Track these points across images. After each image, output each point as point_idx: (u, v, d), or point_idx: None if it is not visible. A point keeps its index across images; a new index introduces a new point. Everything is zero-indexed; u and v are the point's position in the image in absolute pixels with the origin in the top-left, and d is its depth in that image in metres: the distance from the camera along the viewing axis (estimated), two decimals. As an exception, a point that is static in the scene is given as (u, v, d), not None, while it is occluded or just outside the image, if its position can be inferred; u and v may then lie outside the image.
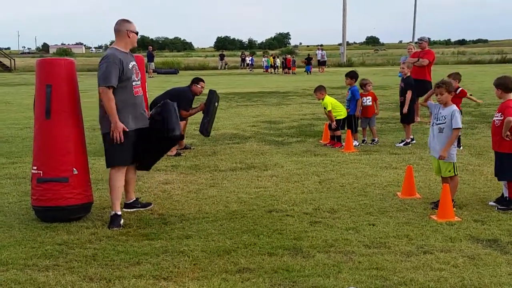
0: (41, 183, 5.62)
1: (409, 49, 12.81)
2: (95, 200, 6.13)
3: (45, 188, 5.61)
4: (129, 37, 5.73)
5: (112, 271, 4.42)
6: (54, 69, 5.69)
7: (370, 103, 10.29)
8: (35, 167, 5.69)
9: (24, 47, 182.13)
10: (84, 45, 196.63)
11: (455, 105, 6.21)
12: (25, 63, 57.15)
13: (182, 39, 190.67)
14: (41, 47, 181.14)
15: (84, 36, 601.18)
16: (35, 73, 5.83)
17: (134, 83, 5.68)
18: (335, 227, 5.48)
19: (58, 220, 5.64)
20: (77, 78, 5.92)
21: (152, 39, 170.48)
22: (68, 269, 4.48)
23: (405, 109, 9.93)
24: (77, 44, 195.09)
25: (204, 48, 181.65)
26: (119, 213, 5.66)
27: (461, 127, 6.10)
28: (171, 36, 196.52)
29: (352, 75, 10.36)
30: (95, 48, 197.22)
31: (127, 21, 5.78)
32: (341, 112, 10.12)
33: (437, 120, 6.22)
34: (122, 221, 5.60)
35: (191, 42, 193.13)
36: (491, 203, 6.20)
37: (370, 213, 5.94)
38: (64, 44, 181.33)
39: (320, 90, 10.11)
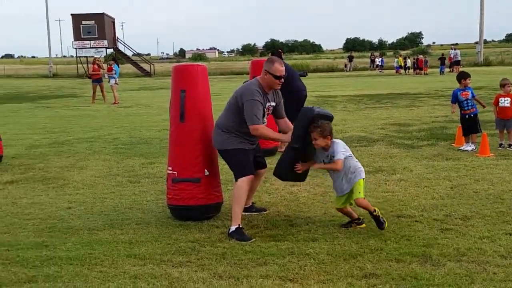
0: (176, 183, 5.93)
1: None
2: (224, 200, 6.35)
3: (180, 188, 5.91)
4: (264, 76, 5.64)
5: (240, 270, 4.56)
6: (188, 74, 5.98)
7: (508, 104, 9.69)
8: (170, 168, 6.02)
9: (163, 53, 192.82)
10: (217, 50, 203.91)
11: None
12: (164, 68, 60.53)
13: (311, 41, 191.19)
14: (178, 53, 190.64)
15: (217, 41, 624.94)
16: (171, 78, 6.17)
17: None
18: (468, 235, 5.23)
19: (191, 218, 5.92)
20: (209, 82, 6.18)
21: (281, 42, 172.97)
22: (199, 266, 4.69)
23: None
24: (210, 49, 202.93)
25: (333, 50, 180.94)
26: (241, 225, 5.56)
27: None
28: (300, 39, 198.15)
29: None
30: (227, 52, 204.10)
31: (272, 61, 5.60)
32: None
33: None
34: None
35: (320, 44, 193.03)
36: None
37: (507, 222, 5.59)
38: (199, 49, 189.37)
39: None
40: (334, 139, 5.46)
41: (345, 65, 54.95)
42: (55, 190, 7.60)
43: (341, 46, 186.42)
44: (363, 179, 5.48)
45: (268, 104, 5.73)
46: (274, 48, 11.52)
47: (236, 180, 5.66)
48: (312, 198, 6.78)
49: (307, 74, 44.44)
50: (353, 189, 5.44)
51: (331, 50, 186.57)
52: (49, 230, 5.79)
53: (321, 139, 5.33)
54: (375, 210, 5.40)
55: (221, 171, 6.30)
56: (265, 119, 5.74)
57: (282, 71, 5.59)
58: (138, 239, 5.42)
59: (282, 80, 5.63)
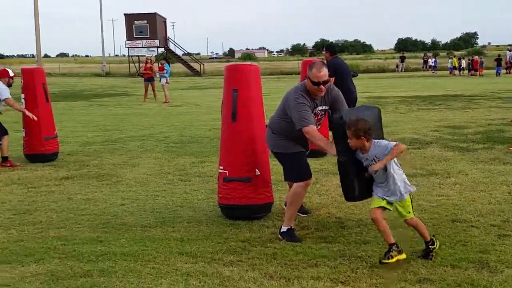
0: (227, 182, 5.95)
1: None
2: (275, 200, 6.32)
3: (230, 187, 5.93)
4: (307, 82, 5.37)
5: (291, 271, 4.54)
6: (240, 74, 5.99)
7: None
8: (221, 167, 6.04)
9: (213, 53, 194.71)
10: (267, 50, 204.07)
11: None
12: (213, 67, 61.07)
13: (361, 41, 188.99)
14: (227, 52, 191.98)
15: (267, 41, 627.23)
16: (223, 77, 6.19)
17: None
18: (527, 243, 5.06)
19: (241, 218, 5.93)
20: (261, 82, 6.18)
21: (332, 42, 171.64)
22: (250, 265, 4.69)
23: None
24: (260, 48, 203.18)
25: (384, 50, 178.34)
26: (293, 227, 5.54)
27: None
28: (350, 39, 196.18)
29: None
30: (276, 52, 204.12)
31: (311, 66, 5.30)
32: None
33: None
34: None
35: (370, 45, 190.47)
36: None
37: None
38: (248, 49, 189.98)
39: None
40: (375, 140, 4.77)
41: (397, 66, 54.13)
42: (109, 187, 7.76)
43: (392, 46, 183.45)
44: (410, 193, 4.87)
45: (317, 109, 5.48)
46: (330, 46, 10.89)
47: (285, 181, 5.71)
48: (363, 200, 6.67)
49: (357, 75, 43.99)
50: (403, 206, 4.81)
51: (382, 50, 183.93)
52: (103, 226, 5.91)
53: (354, 140, 4.70)
54: (432, 242, 4.78)
55: (271, 171, 6.28)
56: (319, 124, 5.55)
57: (320, 77, 5.22)
58: (190, 237, 5.46)
59: (322, 86, 5.27)
